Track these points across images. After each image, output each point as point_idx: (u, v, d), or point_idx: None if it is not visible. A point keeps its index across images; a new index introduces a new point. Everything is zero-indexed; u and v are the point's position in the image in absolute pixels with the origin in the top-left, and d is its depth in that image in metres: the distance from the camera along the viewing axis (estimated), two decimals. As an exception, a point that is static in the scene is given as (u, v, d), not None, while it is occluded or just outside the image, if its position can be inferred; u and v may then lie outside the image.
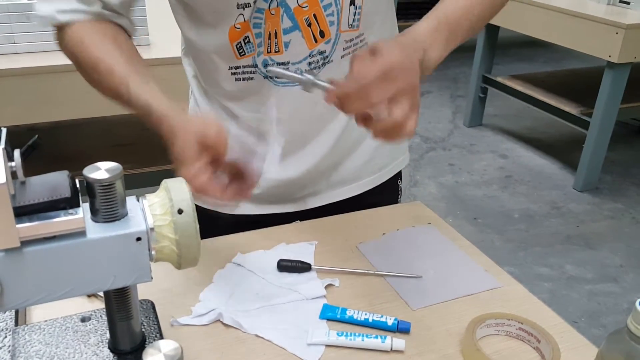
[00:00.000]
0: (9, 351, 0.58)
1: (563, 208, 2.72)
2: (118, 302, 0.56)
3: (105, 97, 0.78)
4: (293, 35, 0.79)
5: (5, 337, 0.59)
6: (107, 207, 0.49)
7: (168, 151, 0.67)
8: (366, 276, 0.79)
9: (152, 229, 0.50)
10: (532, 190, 2.86)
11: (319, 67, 0.83)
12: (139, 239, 0.50)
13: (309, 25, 0.79)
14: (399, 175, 1.05)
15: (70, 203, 0.48)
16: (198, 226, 0.51)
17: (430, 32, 0.69)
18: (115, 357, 0.58)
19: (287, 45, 0.80)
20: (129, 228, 0.49)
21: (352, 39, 0.83)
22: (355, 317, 0.70)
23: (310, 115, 0.88)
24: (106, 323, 0.60)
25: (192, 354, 0.64)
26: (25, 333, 0.60)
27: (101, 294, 0.68)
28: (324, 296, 0.75)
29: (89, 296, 0.72)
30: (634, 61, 2.57)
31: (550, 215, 2.65)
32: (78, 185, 0.50)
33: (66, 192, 0.48)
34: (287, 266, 0.80)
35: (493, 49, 3.40)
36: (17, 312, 0.64)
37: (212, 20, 0.80)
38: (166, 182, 0.52)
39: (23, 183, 0.48)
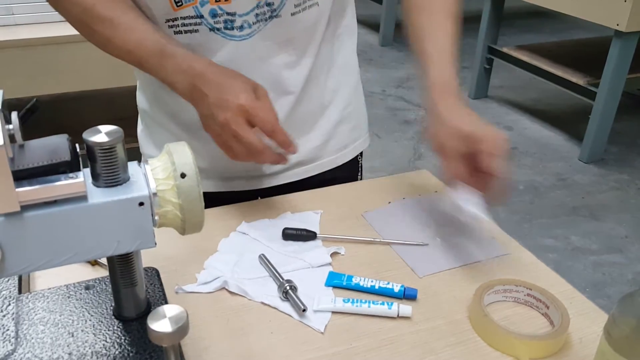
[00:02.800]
0: (13, 318, 0.57)
1: (568, 179, 2.70)
2: (122, 269, 0.55)
3: (109, 48, 0.78)
4: None
5: (9, 304, 0.59)
6: (109, 172, 0.48)
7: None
8: (372, 244, 0.78)
9: (155, 194, 0.49)
10: (537, 162, 2.84)
11: (266, 21, 0.79)
12: (141, 203, 0.49)
13: None
14: (360, 155, 1.02)
15: (70, 167, 0.47)
16: (202, 190, 0.50)
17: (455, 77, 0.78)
18: (120, 324, 0.57)
19: None
20: (131, 193, 0.48)
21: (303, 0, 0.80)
22: (361, 284, 0.69)
23: (264, 77, 0.82)
24: (110, 291, 0.60)
25: (197, 321, 0.64)
26: (29, 301, 0.60)
27: (105, 261, 0.67)
28: (330, 264, 0.74)
29: (92, 264, 0.71)
30: (642, 30, 2.53)
31: (556, 187, 2.64)
32: (79, 151, 0.49)
33: (66, 156, 0.47)
34: (292, 234, 0.79)
35: (499, 20, 3.35)
36: (20, 280, 0.64)
37: None
38: (168, 146, 0.51)
39: (22, 147, 0.46)
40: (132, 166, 0.51)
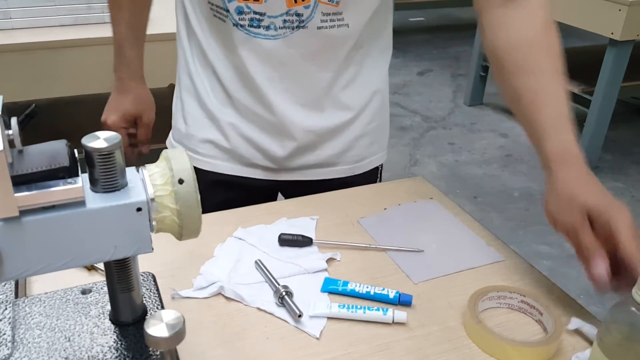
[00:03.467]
0: (10, 323, 0.57)
1: (563, 187, 2.71)
2: (119, 274, 0.55)
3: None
4: None
5: (6, 309, 0.59)
6: (107, 177, 0.48)
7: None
8: (367, 250, 0.79)
9: (152, 199, 0.49)
10: (532, 169, 2.86)
11: (292, 29, 0.82)
12: (139, 209, 0.49)
13: None
14: (378, 168, 1.04)
15: (69, 172, 0.47)
16: (199, 196, 0.50)
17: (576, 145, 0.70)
18: (116, 329, 0.57)
19: None
20: (129, 198, 0.49)
21: (330, 14, 0.82)
22: (357, 289, 0.70)
23: (280, 80, 0.87)
24: (107, 295, 0.60)
25: (193, 326, 0.64)
26: (26, 305, 0.60)
27: (102, 266, 0.68)
28: (326, 270, 0.75)
29: (89, 269, 0.72)
30: (636, 39, 2.54)
31: (551, 194, 2.65)
32: (77, 156, 0.49)
33: (65, 161, 0.47)
34: (288, 240, 0.79)
35: (494, 27, 3.36)
36: (17, 285, 0.64)
37: None
38: (166, 152, 0.52)
39: (21, 152, 0.47)
40: (130, 172, 0.51)
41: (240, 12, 0.81)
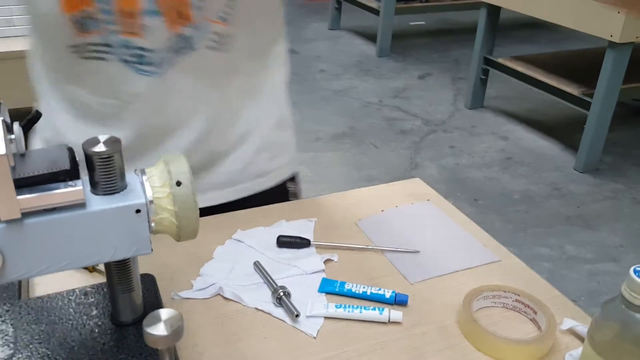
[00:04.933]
0: (12, 324, 0.59)
1: (563, 189, 2.72)
2: (119, 275, 0.57)
3: None
4: (152, 19, 0.71)
5: (8, 310, 0.60)
6: (107, 180, 0.50)
7: None
8: (365, 251, 0.80)
9: (151, 202, 0.51)
10: (532, 172, 2.87)
11: (178, 52, 0.74)
12: (138, 211, 0.50)
13: (171, 6, 0.71)
14: (290, 179, 0.97)
15: (70, 175, 0.48)
16: (197, 198, 0.52)
17: None
18: (117, 329, 0.58)
19: (146, 28, 0.71)
20: (128, 200, 0.50)
21: (221, 34, 0.76)
22: (353, 290, 0.71)
23: (176, 111, 0.80)
24: (108, 297, 0.61)
25: (192, 326, 0.65)
26: (28, 306, 0.61)
27: (103, 268, 0.69)
28: (323, 271, 0.76)
29: (90, 271, 0.73)
30: (635, 41, 2.56)
31: (551, 197, 2.66)
32: (77, 159, 0.50)
33: (66, 165, 0.48)
34: (286, 242, 0.80)
35: (494, 30, 3.39)
36: (19, 286, 0.65)
37: None
38: (165, 156, 0.53)
39: (23, 155, 0.48)
40: (130, 174, 0.52)
41: (125, 46, 0.73)
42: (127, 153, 0.75)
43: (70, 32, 0.72)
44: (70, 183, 0.48)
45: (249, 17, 0.79)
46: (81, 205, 0.49)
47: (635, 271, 0.50)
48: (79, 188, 0.48)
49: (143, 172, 0.52)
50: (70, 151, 0.50)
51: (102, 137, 0.50)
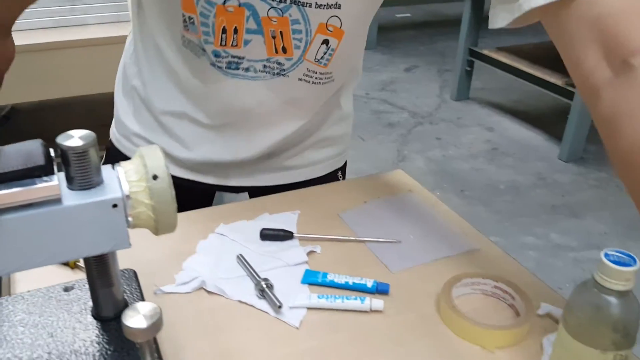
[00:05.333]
0: (-7, 321, 0.59)
1: (548, 179, 2.75)
2: (99, 270, 0.57)
3: None
4: (255, 37, 0.77)
5: (-11, 307, 0.60)
6: (82, 175, 0.50)
7: None
8: (347, 242, 0.80)
9: (128, 196, 0.51)
10: (518, 162, 2.89)
11: (273, 75, 0.82)
12: (115, 205, 0.50)
13: (273, 37, 0.78)
14: (340, 168, 1.05)
15: (44, 171, 0.48)
16: (174, 192, 0.52)
17: None
18: (98, 324, 0.59)
19: (247, 42, 0.78)
20: (104, 195, 0.50)
21: (316, 72, 0.83)
22: (336, 280, 0.72)
23: (253, 117, 0.87)
24: (89, 292, 0.61)
25: (175, 320, 0.65)
26: (9, 303, 0.61)
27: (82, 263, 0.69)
28: (306, 262, 0.76)
29: (72, 268, 0.73)
30: (617, 30, 2.57)
31: (536, 186, 2.68)
32: (52, 154, 0.50)
33: (40, 160, 0.48)
34: (269, 235, 0.81)
35: (479, 22, 3.40)
36: (0, 284, 0.65)
37: None
38: (140, 150, 0.53)
39: (-3, 152, 0.48)
40: (106, 169, 0.53)
41: (217, 55, 0.80)
42: (207, 132, 0.88)
43: (181, 24, 0.79)
44: (45, 179, 0.48)
45: (345, 60, 0.85)
46: (57, 200, 0.49)
47: (606, 255, 0.51)
48: (54, 183, 0.48)
49: (119, 166, 0.52)
50: (45, 147, 0.50)
51: (77, 132, 0.50)
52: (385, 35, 4.70)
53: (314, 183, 0.99)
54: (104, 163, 1.01)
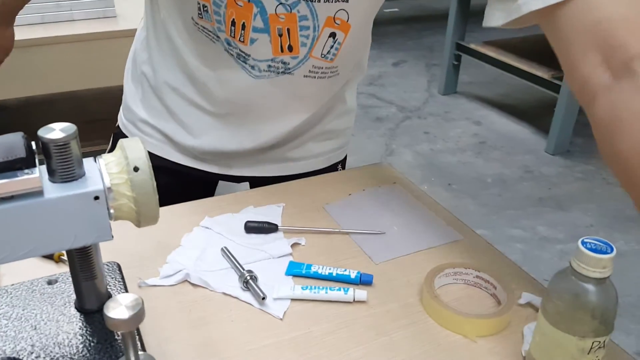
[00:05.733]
0: (-24, 314, 0.59)
1: (535, 172, 2.77)
2: (81, 262, 0.57)
3: None
4: (261, 36, 0.78)
5: (-27, 301, 0.60)
6: (64, 167, 0.50)
7: None
8: (331, 234, 0.81)
9: (109, 188, 0.51)
10: (505, 156, 2.90)
11: (277, 74, 0.83)
12: (96, 197, 0.50)
13: (280, 35, 0.78)
14: (340, 162, 1.07)
15: (26, 163, 0.48)
16: (155, 183, 0.52)
17: None
18: (81, 316, 0.59)
19: (252, 41, 0.79)
20: (86, 187, 0.50)
21: (322, 67, 0.84)
22: (320, 272, 0.72)
23: (261, 113, 0.89)
24: (72, 285, 0.61)
25: (159, 313, 0.66)
26: (-8, 297, 0.61)
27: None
28: (290, 254, 0.77)
29: (56, 261, 0.73)
30: (602, 24, 2.59)
31: (523, 179, 2.70)
32: (34, 148, 0.50)
33: (21, 153, 0.48)
34: (254, 227, 0.81)
35: (466, 16, 3.41)
36: (-17, 278, 0.65)
37: None
38: (122, 142, 0.53)
39: (-23, 145, 0.48)
40: (87, 162, 0.53)
41: (228, 44, 0.81)
42: (213, 120, 0.90)
43: (196, 11, 0.80)
44: (26, 171, 0.48)
45: (350, 53, 0.86)
46: (38, 193, 0.49)
47: (582, 242, 0.52)
48: (35, 176, 0.48)
49: (100, 159, 0.52)
50: (26, 139, 0.50)
51: (58, 125, 0.50)
52: (374, 30, 4.67)
53: (315, 175, 1.00)
54: (110, 149, 1.02)
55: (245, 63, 0.82)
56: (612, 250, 0.52)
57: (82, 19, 1.78)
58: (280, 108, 0.89)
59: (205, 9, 0.78)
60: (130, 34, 1.67)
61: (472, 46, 3.34)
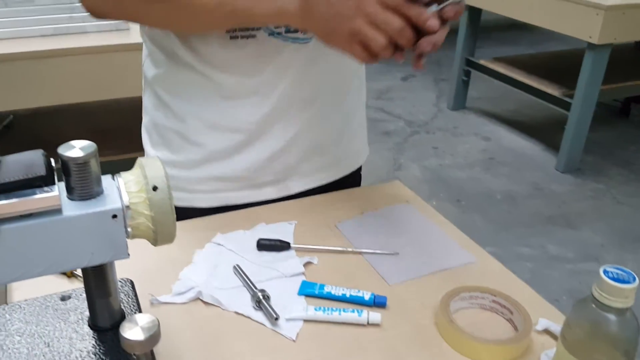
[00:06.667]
0: (-11, 330, 0.58)
1: (545, 189, 2.75)
2: (96, 280, 0.57)
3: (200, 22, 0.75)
4: None
5: (-15, 316, 0.60)
6: (83, 185, 0.50)
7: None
8: (344, 254, 0.80)
9: (127, 207, 0.51)
10: (514, 172, 2.89)
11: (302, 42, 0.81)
12: (114, 216, 0.50)
13: None
14: (360, 168, 1.07)
15: (45, 181, 0.48)
16: (173, 202, 0.52)
17: None
18: (95, 334, 0.58)
19: None
20: (104, 205, 0.50)
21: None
22: (333, 292, 0.71)
23: (316, 80, 0.86)
24: (86, 302, 0.61)
25: (171, 331, 0.65)
26: (6, 312, 0.61)
27: (80, 273, 0.68)
28: (303, 273, 0.76)
29: (69, 276, 0.73)
30: (614, 42, 2.59)
31: (532, 196, 2.69)
32: (54, 165, 0.50)
33: (41, 171, 0.48)
34: (266, 245, 0.81)
35: (476, 32, 3.42)
36: (-4, 293, 0.65)
37: None
38: (140, 160, 0.53)
39: (-2, 162, 0.48)
40: (106, 179, 0.53)
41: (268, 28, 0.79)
42: (255, 129, 0.86)
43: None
44: (45, 189, 0.48)
45: None
46: (57, 211, 0.49)
47: (605, 272, 0.51)
48: (54, 194, 0.48)
49: (119, 177, 0.52)
50: (46, 157, 0.50)
51: (78, 143, 0.50)
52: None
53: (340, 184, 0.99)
54: None
55: (291, 31, 0.80)
56: (634, 279, 0.51)
57: (95, 32, 1.79)
58: (333, 70, 0.88)
59: None
60: (142, 46, 1.69)
61: (482, 62, 3.34)
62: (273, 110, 0.85)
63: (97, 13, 0.78)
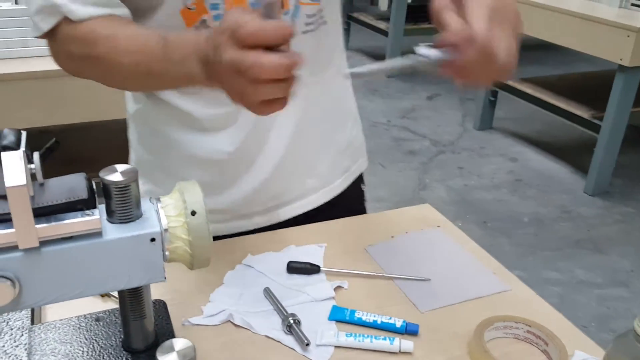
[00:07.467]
0: (26, 349, 0.59)
1: (573, 212, 2.71)
2: (132, 302, 0.57)
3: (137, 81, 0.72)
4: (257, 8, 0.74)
5: (22, 335, 0.61)
6: (123, 209, 0.50)
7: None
8: (375, 279, 0.80)
9: (166, 230, 0.51)
10: (541, 194, 2.86)
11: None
12: (153, 239, 0.51)
13: None
14: (361, 179, 1.04)
15: (87, 204, 0.49)
16: (210, 228, 0.52)
17: None
18: (128, 356, 0.59)
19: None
20: (143, 229, 0.51)
21: (314, 14, 0.80)
22: (364, 318, 0.71)
23: (295, 105, 0.83)
24: (119, 323, 0.61)
25: (202, 353, 0.65)
26: (41, 332, 0.62)
27: (115, 294, 0.69)
28: (333, 298, 0.76)
29: (102, 296, 0.73)
30: (645, 65, 2.56)
31: (560, 219, 2.65)
32: (94, 187, 0.51)
33: (83, 194, 0.49)
34: (296, 268, 0.80)
35: (503, 53, 3.39)
36: (32, 311, 0.65)
37: None
38: (180, 184, 0.54)
39: (42, 185, 0.49)
40: (145, 203, 0.53)
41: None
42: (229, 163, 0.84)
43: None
44: (87, 212, 0.49)
45: None
46: (97, 234, 0.49)
47: (648, 307, 0.50)
48: (95, 217, 0.48)
49: (158, 201, 0.53)
50: (88, 180, 0.50)
51: (120, 167, 0.51)
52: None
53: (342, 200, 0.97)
54: None
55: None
56: (678, 316, 0.50)
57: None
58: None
59: (203, 24, 0.74)
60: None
61: (510, 82, 3.32)
62: (252, 139, 0.84)
63: (68, 72, 0.79)
